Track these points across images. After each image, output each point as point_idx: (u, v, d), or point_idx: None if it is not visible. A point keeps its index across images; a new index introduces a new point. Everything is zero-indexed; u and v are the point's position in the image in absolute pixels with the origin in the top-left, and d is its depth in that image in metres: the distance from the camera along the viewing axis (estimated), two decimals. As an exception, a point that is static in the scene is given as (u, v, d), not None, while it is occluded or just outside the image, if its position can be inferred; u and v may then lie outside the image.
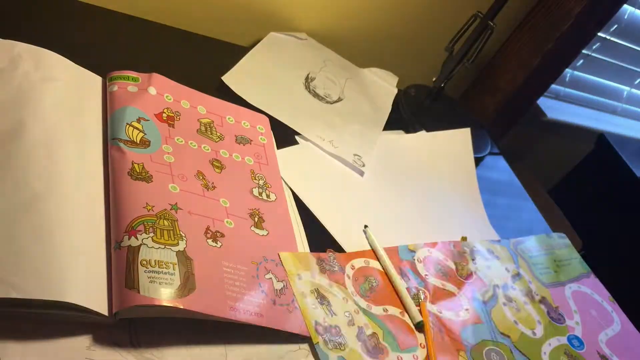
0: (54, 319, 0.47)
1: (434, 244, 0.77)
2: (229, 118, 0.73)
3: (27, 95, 0.59)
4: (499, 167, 1.05)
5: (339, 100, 0.90)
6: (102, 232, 0.54)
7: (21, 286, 0.45)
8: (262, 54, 0.89)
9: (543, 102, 1.36)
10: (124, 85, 0.67)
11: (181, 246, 0.54)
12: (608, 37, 1.32)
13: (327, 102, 0.88)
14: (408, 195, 0.83)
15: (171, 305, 0.49)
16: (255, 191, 0.67)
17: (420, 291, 0.69)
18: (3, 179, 0.51)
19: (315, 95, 0.88)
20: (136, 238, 0.52)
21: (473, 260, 0.78)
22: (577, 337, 0.75)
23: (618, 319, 0.81)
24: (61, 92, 0.62)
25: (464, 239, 0.80)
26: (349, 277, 0.65)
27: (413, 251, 0.74)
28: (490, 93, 1.22)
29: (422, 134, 0.94)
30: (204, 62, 0.84)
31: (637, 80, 1.51)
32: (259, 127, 0.76)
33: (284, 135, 0.78)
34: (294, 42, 0.96)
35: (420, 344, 0.63)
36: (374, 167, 0.82)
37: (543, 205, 1.01)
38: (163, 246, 0.53)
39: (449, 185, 0.90)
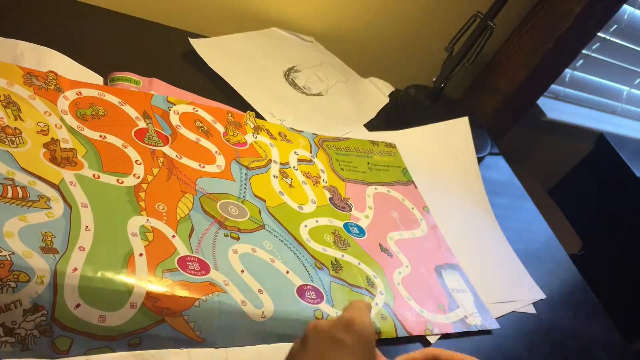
0: None
1: (205, 107, 0.71)
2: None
3: None
4: (499, 167, 1.06)
5: (319, 95, 0.88)
6: None
7: None
8: (250, 38, 0.87)
9: (543, 102, 1.36)
10: (125, 87, 0.67)
11: None
12: (608, 37, 1.32)
13: (304, 92, 0.86)
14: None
15: None
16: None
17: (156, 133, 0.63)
18: None
19: (292, 84, 0.86)
20: None
21: (255, 135, 0.72)
22: (357, 226, 0.71)
23: (425, 227, 0.77)
24: None
25: (250, 114, 0.74)
26: (66, 98, 0.60)
27: (172, 103, 0.68)
28: (490, 93, 1.23)
29: (422, 127, 0.93)
30: (204, 63, 0.83)
31: (637, 81, 1.51)
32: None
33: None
34: (294, 40, 0.95)
35: (135, 175, 0.58)
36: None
37: (543, 205, 1.01)
38: None
39: (452, 176, 0.90)
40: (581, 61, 1.36)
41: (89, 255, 0.48)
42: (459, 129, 0.95)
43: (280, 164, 0.72)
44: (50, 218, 0.49)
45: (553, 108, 1.39)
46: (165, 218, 0.55)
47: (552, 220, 0.98)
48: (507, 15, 1.05)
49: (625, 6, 1.23)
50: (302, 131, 0.79)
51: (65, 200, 0.51)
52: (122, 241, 0.51)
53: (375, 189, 0.78)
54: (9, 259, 0.43)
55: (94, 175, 0.55)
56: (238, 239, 0.59)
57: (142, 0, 0.85)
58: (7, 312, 0.43)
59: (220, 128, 0.70)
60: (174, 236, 0.54)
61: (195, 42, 0.80)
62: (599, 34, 1.26)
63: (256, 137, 0.72)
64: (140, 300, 0.47)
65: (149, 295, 0.48)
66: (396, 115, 0.98)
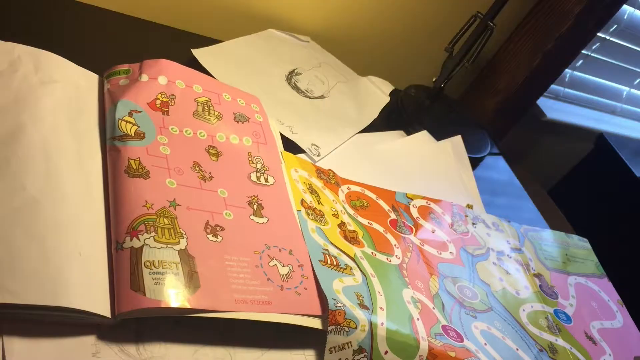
0: (57, 320, 0.47)
1: (434, 200, 0.80)
2: (225, 95, 0.72)
3: (26, 98, 0.58)
4: (499, 167, 1.06)
5: (321, 97, 0.89)
6: (103, 233, 0.53)
7: (18, 291, 0.44)
8: (249, 42, 0.87)
9: (543, 102, 1.36)
10: (116, 80, 0.66)
11: (182, 244, 0.54)
12: (608, 38, 1.32)
13: (307, 96, 0.87)
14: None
15: (179, 306, 0.49)
16: (254, 176, 0.66)
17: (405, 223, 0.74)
18: None
19: (295, 87, 0.87)
20: (138, 239, 0.52)
21: (474, 224, 0.81)
22: (565, 313, 0.76)
23: (622, 319, 0.81)
24: (60, 94, 0.62)
25: (469, 206, 0.83)
26: (342, 192, 0.72)
27: (410, 199, 0.78)
28: (490, 93, 1.23)
29: (417, 140, 0.94)
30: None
31: (637, 81, 1.51)
32: (254, 106, 0.74)
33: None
34: (292, 41, 0.95)
35: (396, 256, 0.68)
36: (376, 169, 0.82)
37: (542, 205, 1.02)
38: (165, 246, 0.53)
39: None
40: (581, 61, 1.36)
41: (387, 314, 0.59)
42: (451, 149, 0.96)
43: (497, 252, 0.80)
44: (356, 282, 0.60)
45: (553, 108, 1.39)
46: (424, 293, 0.66)
47: (552, 220, 0.98)
48: (507, 15, 1.05)
49: (625, 6, 1.23)
50: (510, 221, 0.88)
51: (360, 270, 0.62)
52: (403, 307, 0.61)
53: (575, 279, 0.84)
54: (344, 309, 0.55)
55: (372, 253, 0.66)
56: (475, 317, 0.68)
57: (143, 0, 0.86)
58: (343, 350, 0.55)
59: (448, 219, 0.80)
60: (433, 308, 0.64)
61: (197, 53, 0.80)
62: (598, 34, 1.26)
63: (475, 227, 0.82)
64: (425, 354, 0.58)
65: (431, 352, 0.58)
66: (396, 115, 0.98)
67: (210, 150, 0.65)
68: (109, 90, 0.65)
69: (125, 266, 0.50)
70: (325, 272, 0.58)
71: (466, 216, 0.82)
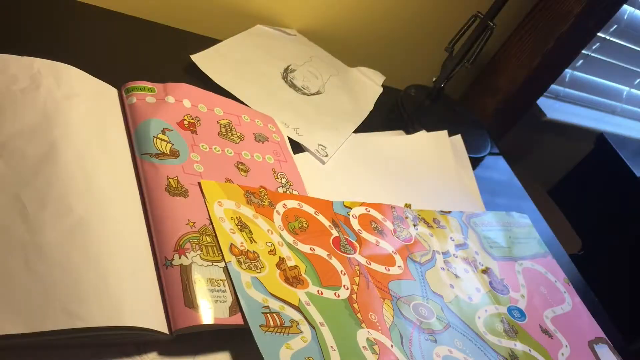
0: (112, 340, 0.48)
1: (373, 205, 0.74)
2: (244, 117, 0.74)
3: (54, 115, 0.58)
4: (499, 167, 1.06)
5: (318, 93, 0.89)
6: (147, 250, 0.54)
7: (85, 315, 0.45)
8: (242, 42, 0.88)
9: (543, 102, 1.36)
10: (142, 96, 0.66)
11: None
12: (608, 38, 1.32)
13: (304, 93, 0.87)
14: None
15: (234, 323, 0.51)
16: (280, 190, 0.68)
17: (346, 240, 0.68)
18: (46, 206, 0.50)
19: (292, 85, 0.87)
20: (186, 257, 0.53)
21: (415, 226, 0.76)
22: (518, 309, 0.74)
23: (570, 300, 0.79)
24: (84, 107, 0.61)
25: (407, 205, 0.78)
26: (278, 213, 0.64)
27: (349, 207, 0.72)
28: (490, 93, 1.23)
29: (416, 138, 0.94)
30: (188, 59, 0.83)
31: (637, 81, 1.51)
32: (270, 126, 0.76)
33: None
34: (280, 36, 0.95)
35: (344, 286, 0.61)
36: (377, 169, 0.83)
37: (543, 205, 1.02)
38: (211, 263, 0.54)
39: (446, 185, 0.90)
40: (581, 61, 1.36)
41: None
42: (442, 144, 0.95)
43: (442, 253, 0.75)
44: (305, 342, 0.53)
45: (553, 108, 1.39)
46: (380, 328, 0.59)
47: (552, 220, 0.98)
48: (507, 15, 1.05)
49: (625, 6, 1.23)
50: (450, 212, 0.81)
51: (308, 322, 0.55)
52: (360, 357, 0.55)
53: (521, 264, 0.80)
54: None
55: (318, 291, 0.59)
56: (435, 340, 0.62)
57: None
58: None
59: (389, 225, 0.73)
60: (392, 346, 0.58)
61: (196, 58, 0.80)
62: (598, 34, 1.26)
63: (417, 229, 0.76)
64: None
65: None
66: (396, 115, 0.98)
67: (239, 166, 0.67)
68: (136, 105, 0.65)
69: (176, 283, 0.51)
70: (269, 341, 0.51)
71: (406, 218, 0.76)
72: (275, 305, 0.54)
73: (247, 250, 0.57)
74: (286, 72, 0.89)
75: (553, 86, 1.31)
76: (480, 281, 0.74)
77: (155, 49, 0.82)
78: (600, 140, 1.48)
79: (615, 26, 1.30)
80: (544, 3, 1.12)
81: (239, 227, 0.59)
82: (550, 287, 0.80)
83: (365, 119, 0.91)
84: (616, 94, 1.53)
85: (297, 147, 0.78)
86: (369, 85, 0.99)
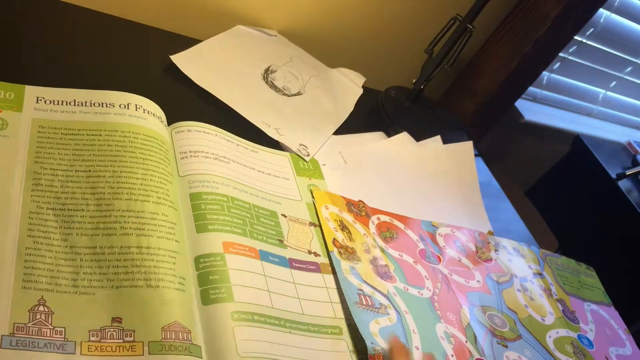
0: None
1: (458, 227, 0.82)
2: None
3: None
4: (478, 168, 1.06)
5: (298, 94, 0.89)
6: None
7: None
8: (222, 42, 0.88)
9: (521, 104, 1.38)
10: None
11: None
12: (584, 41, 1.34)
13: (285, 94, 0.87)
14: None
15: None
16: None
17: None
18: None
19: (273, 86, 0.87)
20: None
21: (496, 251, 0.83)
22: (587, 338, 0.78)
23: (630, 347, 0.83)
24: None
25: (490, 233, 0.85)
26: (373, 223, 0.73)
27: (436, 227, 0.80)
28: (469, 95, 1.24)
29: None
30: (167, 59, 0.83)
31: (613, 83, 1.53)
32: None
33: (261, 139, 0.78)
34: (261, 37, 0.95)
35: (427, 288, 0.69)
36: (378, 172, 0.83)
37: (520, 206, 1.03)
38: None
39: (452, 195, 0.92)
40: (558, 64, 1.38)
41: (422, 354, 0.60)
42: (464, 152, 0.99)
43: (520, 277, 0.81)
44: (391, 322, 0.61)
45: (530, 110, 1.40)
46: (456, 326, 0.67)
47: (529, 220, 1.00)
48: (485, 17, 1.06)
49: (601, 10, 1.25)
50: (530, 246, 0.89)
51: (395, 308, 0.64)
52: (437, 344, 0.63)
53: (589, 306, 0.85)
54: (382, 353, 0.56)
55: (404, 287, 0.68)
56: (507, 347, 0.69)
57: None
58: None
59: (472, 247, 0.81)
60: (466, 341, 0.66)
61: (176, 59, 0.80)
62: (575, 37, 1.28)
63: (498, 254, 0.83)
64: None
65: None
66: (376, 116, 0.98)
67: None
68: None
69: None
70: (362, 314, 0.60)
71: (488, 243, 0.83)
72: (368, 290, 0.63)
73: (347, 245, 0.67)
74: (267, 73, 0.89)
75: (531, 88, 1.33)
76: (554, 307, 0.79)
77: (135, 49, 0.81)
78: (577, 142, 1.50)
79: (591, 29, 1.32)
80: (522, 6, 1.14)
81: (340, 227, 0.69)
82: (614, 332, 0.84)
83: (346, 120, 0.91)
84: (592, 97, 1.55)
85: (278, 147, 0.78)
86: (349, 87, 0.99)
